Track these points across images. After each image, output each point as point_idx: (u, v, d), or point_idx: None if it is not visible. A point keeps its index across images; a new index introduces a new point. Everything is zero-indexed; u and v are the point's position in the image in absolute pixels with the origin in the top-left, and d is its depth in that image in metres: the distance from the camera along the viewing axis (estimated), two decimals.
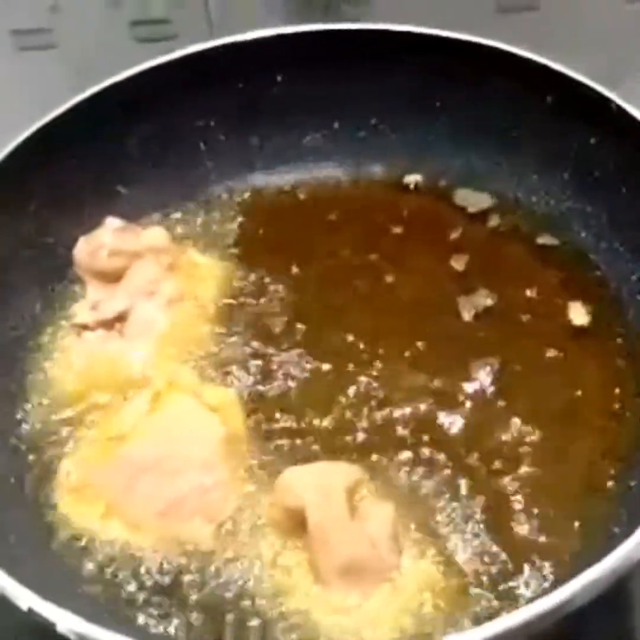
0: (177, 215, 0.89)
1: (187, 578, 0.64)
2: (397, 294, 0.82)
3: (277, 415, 0.73)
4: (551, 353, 0.76)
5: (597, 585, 0.53)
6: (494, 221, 0.87)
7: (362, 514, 0.63)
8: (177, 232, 0.87)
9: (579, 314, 0.79)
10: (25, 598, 0.53)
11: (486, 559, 0.64)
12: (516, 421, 0.71)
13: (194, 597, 0.63)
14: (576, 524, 0.65)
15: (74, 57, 1.07)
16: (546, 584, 0.61)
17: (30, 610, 0.52)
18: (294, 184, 0.92)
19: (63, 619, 0.52)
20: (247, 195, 0.91)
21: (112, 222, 0.82)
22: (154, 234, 0.81)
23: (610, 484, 0.68)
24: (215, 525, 0.66)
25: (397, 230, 0.87)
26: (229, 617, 0.62)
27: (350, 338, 0.78)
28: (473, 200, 0.88)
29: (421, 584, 0.61)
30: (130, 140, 0.87)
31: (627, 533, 0.55)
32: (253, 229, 0.88)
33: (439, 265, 0.83)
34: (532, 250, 0.84)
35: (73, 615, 0.51)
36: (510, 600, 0.61)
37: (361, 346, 0.77)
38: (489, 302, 0.80)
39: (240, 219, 0.89)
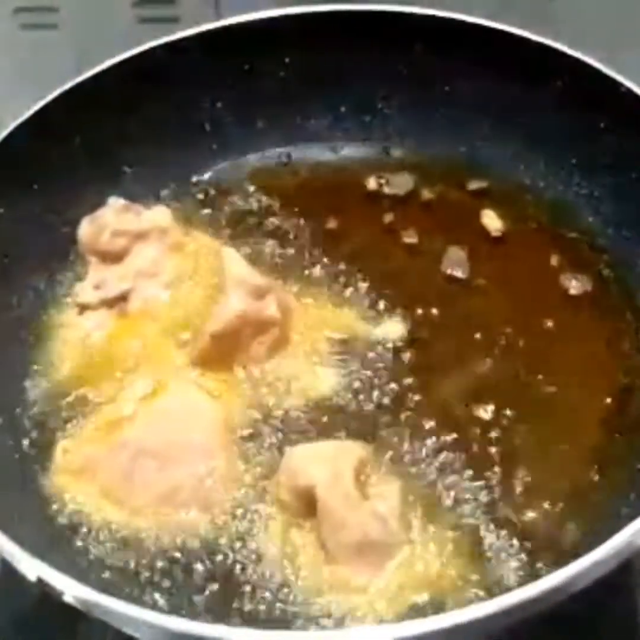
0: (181, 195, 0.89)
1: (190, 561, 0.63)
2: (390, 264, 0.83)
3: (280, 398, 0.72)
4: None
5: (602, 566, 0.53)
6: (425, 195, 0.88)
7: (370, 491, 0.63)
8: (181, 212, 0.86)
9: (493, 221, 0.83)
10: (33, 568, 0.53)
11: (496, 533, 0.64)
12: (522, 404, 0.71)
13: (199, 579, 0.62)
14: (585, 502, 0.65)
15: (78, 36, 1.06)
16: (555, 561, 0.61)
17: (38, 580, 0.52)
18: (298, 165, 0.92)
19: (71, 587, 0.51)
20: (251, 176, 0.91)
21: (115, 202, 0.81)
22: (157, 214, 0.81)
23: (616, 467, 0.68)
24: (217, 510, 0.65)
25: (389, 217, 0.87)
26: (236, 601, 0.61)
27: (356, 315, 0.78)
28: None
29: (432, 558, 0.62)
30: (134, 120, 0.86)
31: (633, 515, 0.55)
32: (257, 210, 0.87)
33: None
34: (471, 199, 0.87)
35: (81, 584, 0.51)
36: (521, 574, 0.61)
37: (366, 314, 0.78)
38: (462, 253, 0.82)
39: (243, 199, 0.88)
